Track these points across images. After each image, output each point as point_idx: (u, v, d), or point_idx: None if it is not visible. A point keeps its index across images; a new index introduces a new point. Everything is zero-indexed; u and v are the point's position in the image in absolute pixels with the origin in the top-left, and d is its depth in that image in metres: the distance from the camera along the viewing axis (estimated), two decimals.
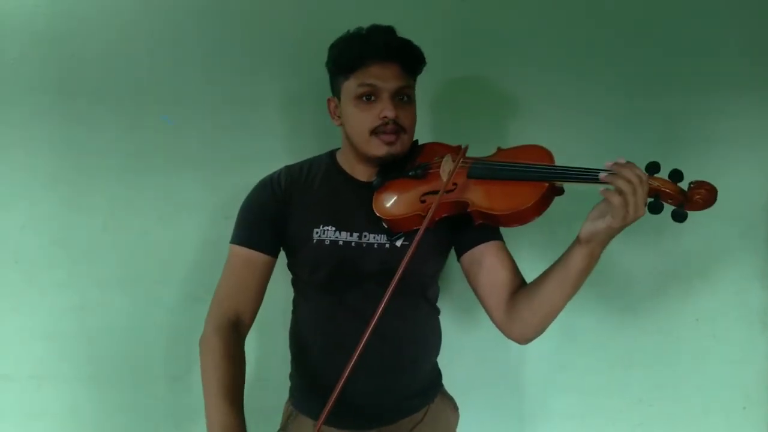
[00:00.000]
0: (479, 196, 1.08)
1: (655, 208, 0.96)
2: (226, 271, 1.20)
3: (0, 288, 1.50)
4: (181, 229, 1.53)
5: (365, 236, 1.18)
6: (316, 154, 1.30)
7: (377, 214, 1.15)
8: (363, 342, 0.98)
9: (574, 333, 1.63)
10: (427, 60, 1.18)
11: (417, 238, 1.02)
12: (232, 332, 1.14)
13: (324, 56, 1.19)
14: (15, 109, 1.47)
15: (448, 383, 1.36)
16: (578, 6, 1.58)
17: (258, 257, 1.18)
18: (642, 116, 1.59)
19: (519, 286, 1.15)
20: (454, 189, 1.11)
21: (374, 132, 1.14)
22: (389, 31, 1.15)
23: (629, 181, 0.92)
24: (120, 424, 1.55)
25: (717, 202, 0.96)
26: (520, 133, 1.55)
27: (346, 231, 1.18)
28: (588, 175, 0.99)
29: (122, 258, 1.52)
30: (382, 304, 0.99)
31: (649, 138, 1.59)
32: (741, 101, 1.60)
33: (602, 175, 0.96)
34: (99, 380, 1.54)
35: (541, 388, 1.66)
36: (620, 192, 0.92)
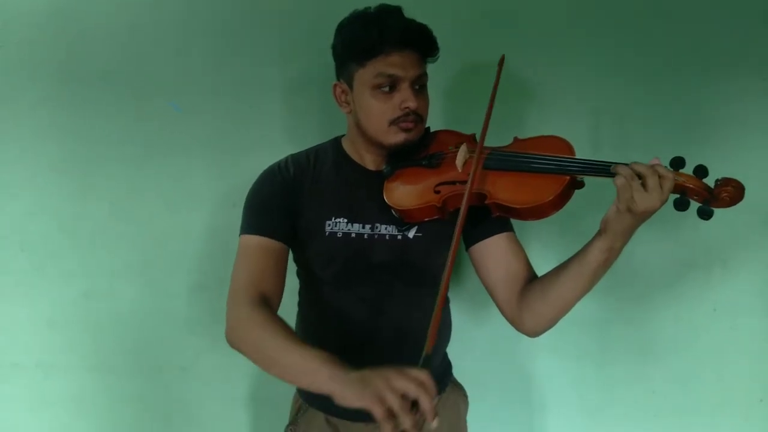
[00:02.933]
0: (498, 189, 1.04)
1: (681, 205, 0.94)
2: (241, 263, 1.11)
3: (7, 276, 1.50)
4: (188, 217, 1.52)
5: (377, 227, 1.15)
6: (322, 140, 1.27)
7: (389, 204, 1.12)
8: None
9: (588, 323, 1.60)
10: (441, 45, 1.13)
11: (455, 243, 0.97)
12: (267, 307, 1.04)
13: (330, 42, 1.15)
14: (21, 95, 1.46)
15: (460, 375, 1.35)
16: None
17: (274, 245, 1.11)
18: (664, 102, 1.54)
19: (530, 279, 1.13)
20: (470, 179, 1.07)
21: (393, 121, 1.10)
22: (401, 13, 1.09)
23: (633, 168, 0.92)
24: (127, 412, 1.56)
25: None
26: (537, 121, 1.52)
27: (359, 223, 1.15)
28: (610, 169, 0.96)
29: (129, 246, 1.52)
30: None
31: (671, 124, 1.54)
32: (763, 82, 1.55)
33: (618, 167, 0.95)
34: (106, 369, 1.54)
35: (553, 379, 1.64)
36: (625, 176, 0.91)
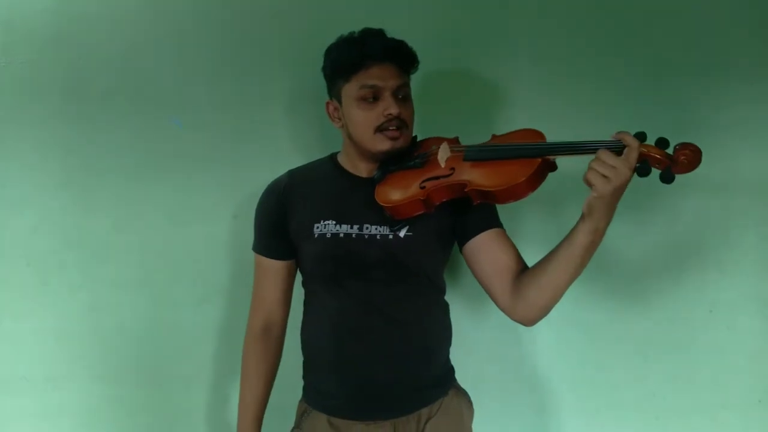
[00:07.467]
0: (475, 176, 1.11)
1: (642, 171, 0.99)
2: (255, 279, 1.33)
3: (13, 291, 1.51)
4: (191, 230, 1.54)
5: (366, 228, 1.20)
6: (324, 153, 1.31)
7: (379, 203, 1.17)
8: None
9: (587, 327, 1.62)
10: (422, 56, 1.21)
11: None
12: (265, 339, 1.32)
13: None
14: (26, 112, 1.48)
15: (461, 378, 1.36)
16: None
17: (273, 264, 1.28)
18: (655, 108, 1.56)
19: (522, 270, 1.18)
20: (452, 173, 1.14)
21: (379, 129, 1.18)
22: (382, 33, 1.20)
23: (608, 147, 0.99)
24: (133, 423, 1.57)
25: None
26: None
27: (346, 224, 1.21)
28: (577, 147, 1.03)
29: (133, 259, 1.53)
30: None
31: (663, 129, 1.55)
32: (753, 87, 1.58)
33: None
34: (112, 380, 1.55)
35: (554, 383, 1.65)
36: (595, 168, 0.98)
